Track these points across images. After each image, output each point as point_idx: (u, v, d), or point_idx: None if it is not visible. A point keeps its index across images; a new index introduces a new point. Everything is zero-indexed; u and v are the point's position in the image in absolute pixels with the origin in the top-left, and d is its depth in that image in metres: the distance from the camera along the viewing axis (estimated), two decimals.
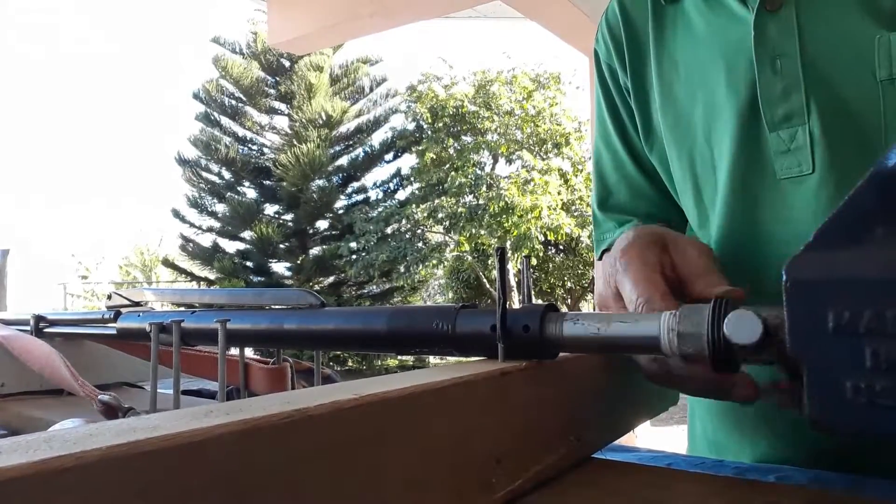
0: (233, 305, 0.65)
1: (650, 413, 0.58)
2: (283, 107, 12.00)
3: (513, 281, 7.22)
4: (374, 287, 11.66)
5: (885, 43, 0.51)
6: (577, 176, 10.36)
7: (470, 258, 10.64)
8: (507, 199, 9.34)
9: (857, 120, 0.53)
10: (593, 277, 9.62)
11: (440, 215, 9.95)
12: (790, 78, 0.55)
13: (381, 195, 12.03)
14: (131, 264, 18.73)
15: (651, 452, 0.59)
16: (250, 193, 12.12)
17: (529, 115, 10.34)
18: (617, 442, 0.51)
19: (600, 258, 0.68)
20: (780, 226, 0.57)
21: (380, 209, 11.19)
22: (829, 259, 0.28)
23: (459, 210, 9.72)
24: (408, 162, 11.67)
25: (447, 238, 10.45)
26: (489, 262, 10.86)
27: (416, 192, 10.98)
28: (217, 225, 12.05)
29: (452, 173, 10.04)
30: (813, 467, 0.52)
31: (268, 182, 11.85)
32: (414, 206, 10.27)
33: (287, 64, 11.70)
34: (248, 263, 11.79)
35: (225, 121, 11.93)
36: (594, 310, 0.53)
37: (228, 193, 11.83)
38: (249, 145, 12.14)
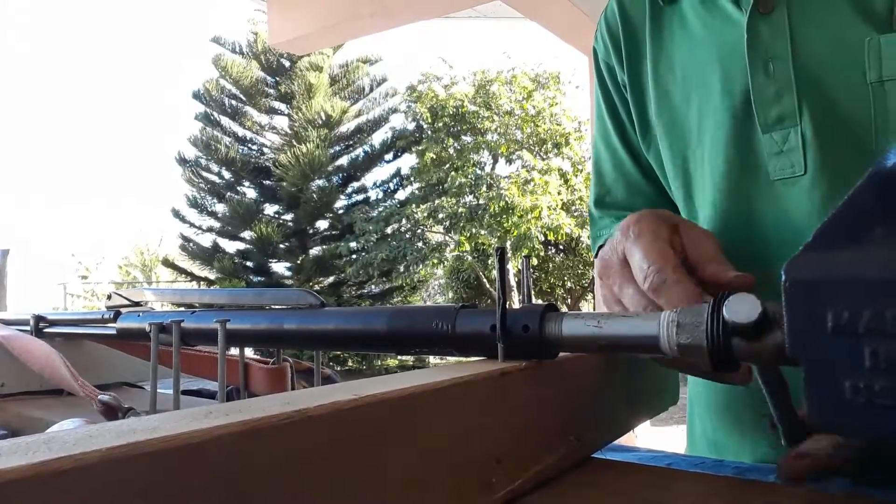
0: (233, 305, 0.65)
1: (650, 413, 0.58)
2: (283, 107, 12.01)
3: (513, 281, 7.22)
4: (374, 287, 11.66)
5: (875, 45, 0.51)
6: (577, 176, 10.36)
7: (470, 258, 10.64)
8: (507, 199, 9.34)
9: (848, 122, 0.53)
10: (593, 277, 9.61)
11: (440, 215, 9.95)
12: (782, 80, 0.55)
13: (381, 195, 12.04)
14: (131, 264, 18.74)
15: (651, 452, 0.59)
16: (250, 193, 12.13)
17: (529, 115, 10.35)
18: (617, 442, 0.51)
19: (596, 255, 0.68)
20: (773, 226, 0.58)
21: (380, 209, 11.19)
22: (829, 259, 0.28)
23: (459, 210, 9.72)
24: (408, 162, 11.68)
25: (447, 238, 10.45)
26: (489, 262, 10.86)
27: (416, 192, 10.99)
28: (217, 225, 12.05)
29: (452, 173, 10.04)
30: None
31: (268, 182, 11.86)
32: (414, 206, 10.27)
33: (287, 64, 11.70)
34: (248, 263, 11.80)
35: (225, 121, 11.94)
36: (594, 310, 0.53)
37: (228, 193, 11.84)
38: (249, 145, 12.14)
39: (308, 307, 0.56)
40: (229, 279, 11.14)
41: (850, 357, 0.26)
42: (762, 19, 0.56)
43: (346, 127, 11.96)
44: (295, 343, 0.58)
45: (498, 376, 0.36)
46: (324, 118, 11.49)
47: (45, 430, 0.54)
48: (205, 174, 11.95)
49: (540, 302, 0.41)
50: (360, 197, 12.10)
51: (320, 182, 11.58)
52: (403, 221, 10.47)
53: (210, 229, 12.10)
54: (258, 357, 0.78)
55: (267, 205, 12.09)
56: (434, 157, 10.45)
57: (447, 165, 10.45)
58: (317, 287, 11.09)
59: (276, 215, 12.09)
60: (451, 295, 11.89)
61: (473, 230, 9.62)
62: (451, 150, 10.50)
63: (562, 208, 9.84)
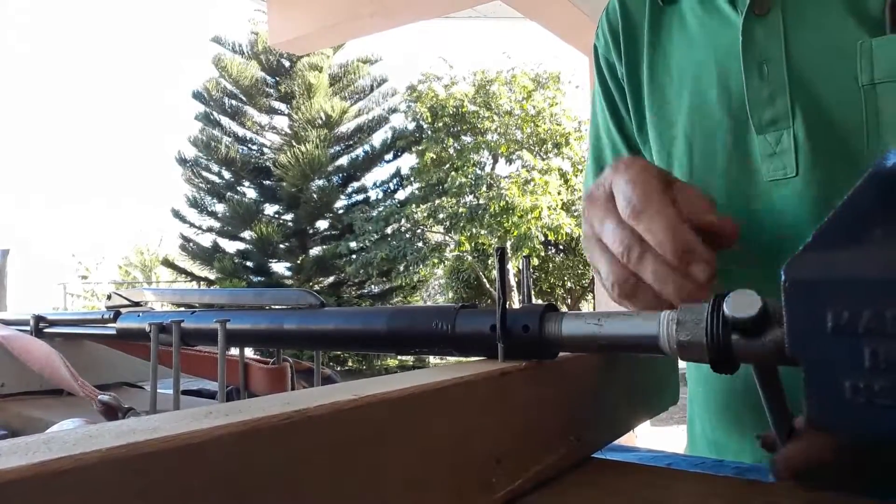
0: (233, 305, 0.65)
1: (650, 413, 0.58)
2: (283, 107, 12.01)
3: (513, 281, 7.22)
4: (374, 287, 11.67)
5: (867, 48, 0.51)
6: (577, 176, 10.36)
7: (470, 258, 10.64)
8: (507, 199, 9.34)
9: (839, 124, 0.54)
10: (593, 277, 9.61)
11: (440, 215, 9.95)
12: (776, 83, 0.56)
13: (381, 195, 12.05)
14: (131, 264, 18.74)
15: (651, 452, 0.59)
16: (250, 193, 12.14)
17: (529, 115, 10.35)
18: (617, 442, 0.51)
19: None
20: (767, 226, 0.58)
21: (380, 209, 11.19)
22: (828, 259, 0.28)
23: (459, 210, 9.72)
24: (408, 162, 11.69)
25: (447, 238, 10.46)
26: (489, 262, 10.86)
27: (416, 192, 10.99)
28: (217, 225, 12.06)
29: (452, 173, 10.05)
30: None
31: (268, 182, 11.86)
32: (414, 206, 10.27)
33: (287, 64, 11.70)
34: (248, 263, 11.80)
35: (225, 121, 11.95)
36: (594, 310, 0.52)
37: (228, 193, 11.84)
38: (249, 145, 12.15)
39: (308, 307, 0.56)
40: (229, 279, 11.14)
41: (850, 357, 0.26)
42: (758, 21, 0.56)
43: (346, 127, 11.97)
44: (295, 343, 0.58)
45: (498, 376, 0.36)
46: (324, 118, 11.49)
47: (45, 430, 0.54)
48: (205, 174, 11.95)
49: (540, 302, 0.41)
50: (360, 197, 12.11)
51: (320, 182, 11.58)
52: (403, 221, 10.47)
53: (210, 229, 12.11)
54: (258, 357, 0.78)
55: (267, 205, 12.09)
56: (434, 157, 10.45)
57: (447, 165, 10.45)
58: (317, 287, 11.09)
59: (276, 215, 12.09)
60: (451, 295, 11.89)
61: (473, 230, 9.62)
62: (451, 150, 10.51)
63: (562, 208, 9.84)
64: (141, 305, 0.77)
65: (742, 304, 0.31)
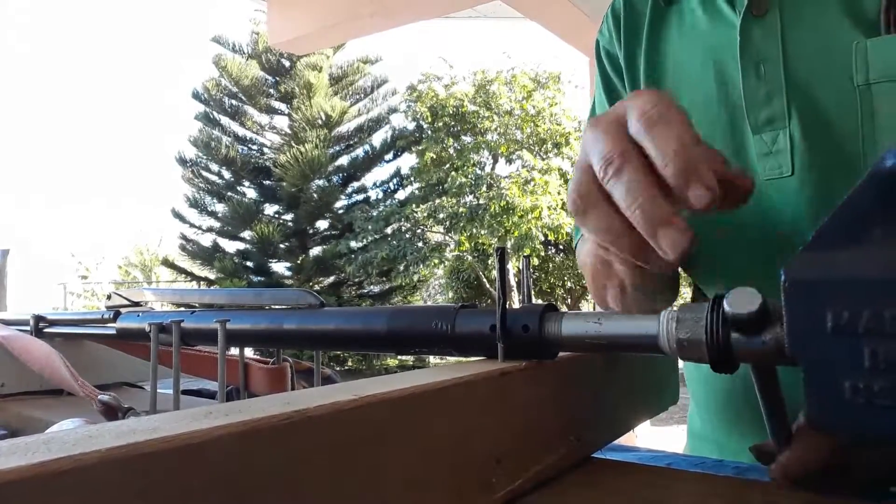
0: (233, 305, 0.65)
1: (650, 413, 0.58)
2: (283, 107, 12.00)
3: (513, 281, 7.22)
4: (374, 287, 11.66)
5: (862, 49, 0.52)
6: None
7: (470, 258, 10.64)
8: (507, 198, 9.34)
9: (835, 124, 0.54)
10: None
11: (440, 215, 9.94)
12: (773, 83, 0.56)
13: (381, 195, 12.04)
14: (131, 264, 18.74)
15: (651, 452, 0.59)
16: (250, 193, 12.13)
17: (529, 115, 10.35)
18: (617, 442, 0.51)
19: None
20: (763, 225, 0.58)
21: (380, 209, 11.19)
22: (828, 259, 0.28)
23: (460, 210, 9.72)
24: (408, 162, 11.69)
25: (447, 238, 10.45)
26: (489, 262, 10.86)
27: (416, 191, 10.99)
28: (217, 225, 12.05)
29: (452, 173, 10.04)
30: None
31: (268, 182, 11.86)
32: (414, 205, 10.26)
33: (287, 64, 11.70)
34: (249, 263, 11.80)
35: (225, 120, 11.94)
36: (594, 310, 0.52)
37: (228, 193, 11.84)
38: (249, 145, 12.14)
39: (308, 307, 0.56)
40: (229, 279, 11.14)
41: (850, 357, 0.26)
42: (755, 22, 0.57)
43: (346, 127, 11.96)
44: (295, 343, 0.58)
45: (498, 376, 0.36)
46: (324, 118, 11.49)
47: (45, 430, 0.54)
48: (205, 174, 11.95)
49: (540, 302, 0.41)
50: (360, 197, 12.11)
51: (320, 182, 11.58)
52: (403, 221, 10.47)
53: (210, 229, 12.10)
54: (258, 357, 0.77)
55: (267, 205, 12.09)
56: (434, 156, 10.45)
57: (447, 165, 10.45)
58: (317, 287, 11.09)
59: (276, 215, 12.09)
60: (451, 295, 11.89)
61: (474, 230, 9.62)
62: (451, 150, 10.50)
63: (562, 208, 9.83)
64: (141, 305, 0.77)
65: (742, 300, 0.31)
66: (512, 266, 8.48)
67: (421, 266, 10.32)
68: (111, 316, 0.73)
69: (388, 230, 10.57)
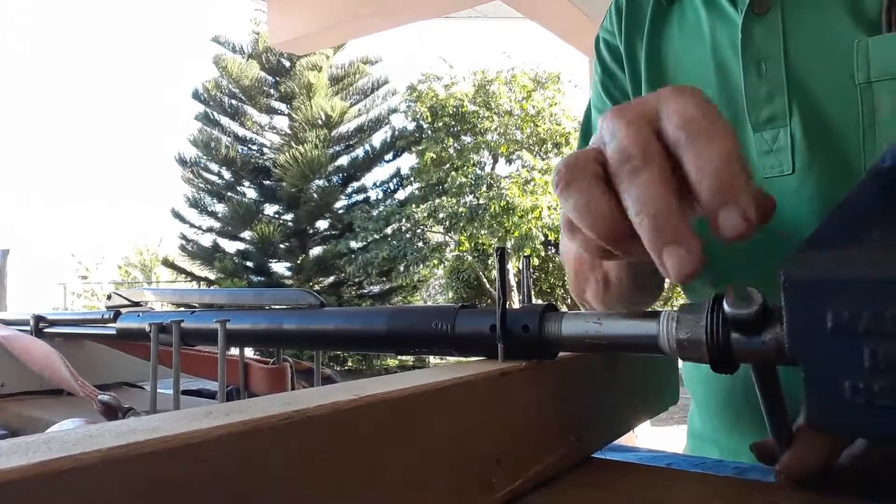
0: (233, 305, 0.65)
1: (650, 413, 0.58)
2: (283, 107, 12.00)
3: (513, 281, 7.22)
4: (375, 287, 11.66)
5: (864, 47, 0.52)
6: None
7: (470, 258, 10.63)
8: (507, 198, 9.34)
9: (836, 122, 0.54)
10: None
11: (440, 215, 9.94)
12: (774, 81, 0.56)
13: (381, 195, 12.04)
14: (131, 264, 18.74)
15: (651, 452, 0.59)
16: (250, 193, 12.13)
17: (529, 115, 10.35)
18: (617, 442, 0.51)
19: None
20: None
21: (380, 209, 11.19)
22: (828, 259, 0.28)
23: (460, 210, 9.71)
24: (408, 162, 11.68)
25: (447, 238, 10.45)
26: (489, 262, 10.85)
27: (416, 191, 10.98)
28: (217, 225, 12.05)
29: (452, 173, 10.04)
30: None
31: (268, 182, 11.86)
32: (414, 205, 10.26)
33: (287, 64, 11.70)
34: (249, 263, 11.80)
35: (225, 120, 11.94)
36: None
37: (228, 193, 11.84)
38: (249, 145, 12.14)
39: (308, 307, 0.56)
40: (229, 279, 11.14)
41: (850, 357, 0.26)
42: (757, 20, 0.57)
43: (346, 127, 11.96)
44: (295, 343, 0.58)
45: (498, 376, 0.36)
46: (324, 118, 11.49)
47: (45, 430, 0.54)
48: (205, 174, 11.94)
49: (540, 302, 0.41)
50: (360, 197, 12.10)
51: (320, 182, 11.58)
52: (403, 221, 10.47)
53: (210, 229, 12.09)
54: (258, 357, 0.77)
55: (267, 205, 12.09)
56: (434, 156, 10.45)
57: (447, 165, 10.45)
58: (317, 287, 11.09)
59: (276, 215, 12.08)
60: (451, 295, 11.88)
61: (474, 230, 9.61)
62: (451, 150, 10.50)
63: None
64: (141, 305, 0.77)
65: (742, 300, 0.31)
66: (512, 266, 8.48)
67: (421, 266, 10.32)
68: (111, 316, 0.73)
69: (389, 230, 10.56)
